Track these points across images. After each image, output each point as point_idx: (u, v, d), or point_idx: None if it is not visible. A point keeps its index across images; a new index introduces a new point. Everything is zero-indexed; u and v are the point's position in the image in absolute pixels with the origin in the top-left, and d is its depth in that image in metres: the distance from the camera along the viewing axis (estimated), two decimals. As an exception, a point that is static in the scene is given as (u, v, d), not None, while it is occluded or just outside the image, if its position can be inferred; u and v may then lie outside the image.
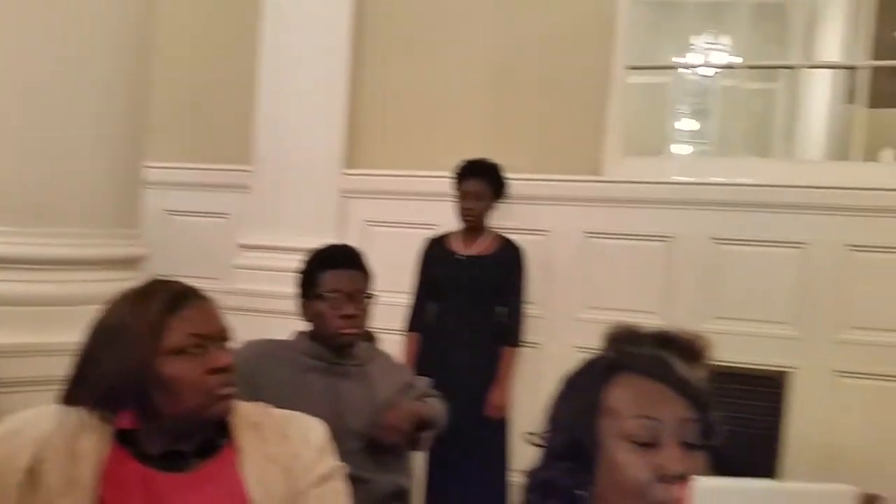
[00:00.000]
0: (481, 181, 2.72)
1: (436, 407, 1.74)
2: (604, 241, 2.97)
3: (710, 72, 4.74)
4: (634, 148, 3.29)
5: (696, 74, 4.86)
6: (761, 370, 2.81)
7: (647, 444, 0.83)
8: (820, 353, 2.75)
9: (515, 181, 2.80)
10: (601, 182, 2.96)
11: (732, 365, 2.75)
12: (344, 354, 1.69)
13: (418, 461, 2.32)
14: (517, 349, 2.75)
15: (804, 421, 2.76)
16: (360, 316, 1.68)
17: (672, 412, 0.85)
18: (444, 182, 2.80)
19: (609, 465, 0.84)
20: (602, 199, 2.95)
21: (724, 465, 0.88)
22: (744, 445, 2.61)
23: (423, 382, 1.83)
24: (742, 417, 2.77)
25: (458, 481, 2.60)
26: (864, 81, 2.95)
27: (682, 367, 0.90)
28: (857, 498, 0.90)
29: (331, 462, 1.13)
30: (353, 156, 3.21)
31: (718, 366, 1.04)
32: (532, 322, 2.82)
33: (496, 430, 2.68)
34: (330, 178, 3.17)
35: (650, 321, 1.50)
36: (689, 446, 0.84)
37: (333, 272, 1.68)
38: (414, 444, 1.68)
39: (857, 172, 2.81)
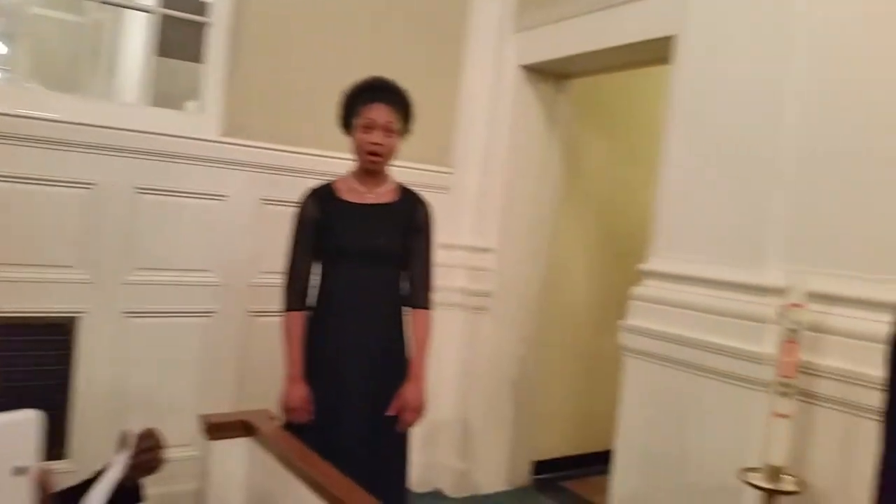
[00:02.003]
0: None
1: None
2: None
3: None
4: None
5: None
6: (49, 317, 2.66)
7: None
8: (108, 295, 2.76)
9: None
10: None
11: (16, 315, 2.55)
12: None
13: None
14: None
15: (95, 364, 2.75)
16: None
17: None
18: None
19: None
20: None
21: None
22: (35, 396, 2.45)
23: None
24: (31, 369, 2.60)
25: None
26: (169, 32, 3.06)
27: None
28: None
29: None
30: None
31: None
32: None
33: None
34: None
35: None
36: None
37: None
38: None
39: (150, 117, 2.89)
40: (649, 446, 2.60)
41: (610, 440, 2.79)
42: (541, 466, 3.93)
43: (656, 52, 2.82)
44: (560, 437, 4.06)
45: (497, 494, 3.65)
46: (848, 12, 2.18)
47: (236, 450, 1.87)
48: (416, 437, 2.62)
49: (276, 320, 2.37)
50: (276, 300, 2.36)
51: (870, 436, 1.15)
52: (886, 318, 1.17)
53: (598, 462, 3.20)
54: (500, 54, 3.57)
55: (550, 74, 3.61)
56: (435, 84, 3.48)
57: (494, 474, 3.68)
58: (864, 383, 1.88)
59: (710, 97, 2.53)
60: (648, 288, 2.69)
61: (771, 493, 1.97)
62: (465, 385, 3.60)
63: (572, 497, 3.73)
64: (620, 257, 3.87)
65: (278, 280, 2.34)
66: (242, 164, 3.00)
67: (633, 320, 2.70)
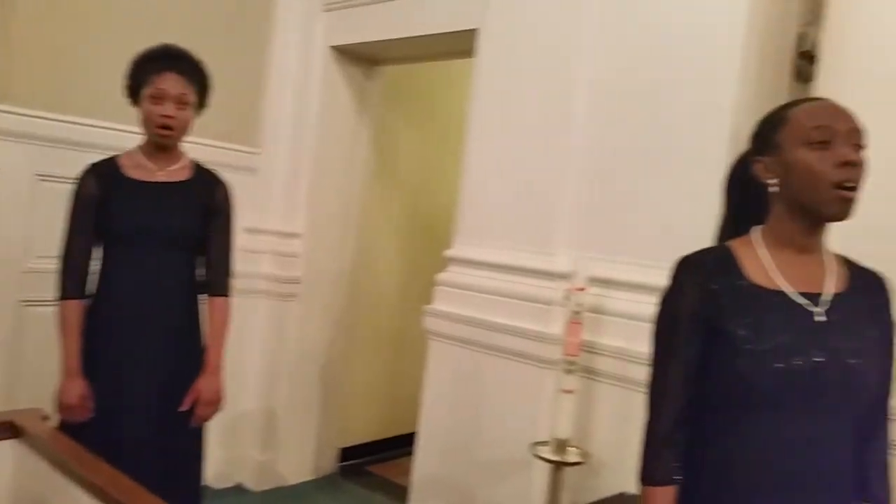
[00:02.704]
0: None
1: None
2: None
3: None
4: None
5: None
6: None
7: None
8: None
9: None
10: None
11: None
12: None
13: None
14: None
15: None
16: None
17: None
18: None
19: None
20: None
21: None
22: None
23: None
24: None
25: None
26: None
27: None
28: None
29: None
30: None
31: None
32: None
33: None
34: None
35: None
36: None
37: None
38: None
39: None
40: (450, 426, 2.68)
41: (416, 423, 2.85)
42: (349, 452, 3.93)
43: (462, 44, 2.90)
44: (368, 421, 4.08)
45: (302, 485, 3.60)
46: (637, 11, 2.36)
47: (1, 454, 1.67)
48: (215, 430, 2.50)
49: (53, 310, 2.14)
50: (52, 288, 2.13)
51: (641, 407, 1.26)
52: (654, 300, 1.28)
53: (406, 445, 3.26)
54: (308, 32, 3.48)
55: (361, 58, 3.58)
56: (238, 58, 3.31)
57: (299, 464, 3.62)
58: (637, 360, 2.07)
59: (508, 90, 2.64)
60: (452, 273, 2.77)
61: (557, 465, 2.12)
62: (270, 375, 3.50)
63: (378, 481, 3.77)
64: (430, 242, 3.95)
65: (55, 265, 2.11)
66: (12, 135, 2.67)
67: (437, 305, 2.77)
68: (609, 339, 2.24)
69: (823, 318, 1.18)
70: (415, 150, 4.16)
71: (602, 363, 2.25)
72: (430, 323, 2.77)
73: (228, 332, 2.24)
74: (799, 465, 1.17)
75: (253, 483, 3.46)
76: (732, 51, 2.13)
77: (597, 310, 2.27)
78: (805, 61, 2.33)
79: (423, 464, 2.78)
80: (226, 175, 2.29)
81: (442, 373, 2.74)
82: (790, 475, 1.16)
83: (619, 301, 2.23)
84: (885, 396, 1.25)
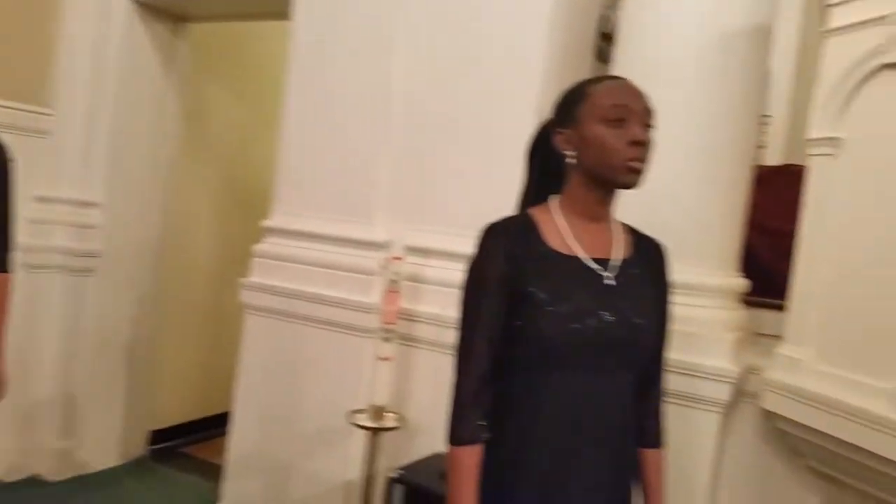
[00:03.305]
0: None
1: None
2: None
3: None
4: None
5: None
6: None
7: None
8: None
9: None
10: None
11: None
12: None
13: None
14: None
15: None
16: None
17: None
18: None
19: None
20: None
21: None
22: None
23: None
24: None
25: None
26: None
27: None
28: None
29: None
30: None
31: None
32: None
33: None
34: None
35: None
36: None
37: None
38: None
39: None
40: (268, 401, 2.62)
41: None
42: (161, 435, 3.72)
43: (277, 4, 2.78)
44: (182, 402, 3.89)
45: (108, 471, 3.37)
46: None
47: None
48: (3, 419, 2.26)
49: None
50: None
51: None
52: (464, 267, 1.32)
53: (223, 424, 3.13)
54: (106, -16, 3.18)
55: (167, 14, 3.34)
56: (23, 9, 2.96)
57: (104, 450, 3.38)
58: (451, 325, 2.11)
59: (326, 57, 2.58)
60: (269, 244, 2.68)
61: (374, 431, 2.15)
62: (67, 356, 3.21)
63: (192, 462, 3.61)
64: (247, 212, 3.80)
65: None
66: None
67: (254, 277, 2.67)
68: (426, 306, 2.29)
69: (613, 282, 1.28)
70: (229, 114, 3.97)
71: (419, 330, 2.29)
72: (246, 296, 2.68)
73: (10, 310, 2.02)
74: (593, 418, 1.26)
75: (51, 473, 3.18)
76: (539, 30, 2.23)
77: (414, 278, 2.30)
78: (606, 42, 2.50)
79: (240, 441, 2.70)
80: (7, 137, 2.04)
81: (259, 347, 2.66)
82: (585, 428, 1.26)
83: (435, 269, 2.28)
84: (661, 351, 1.38)
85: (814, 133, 1.76)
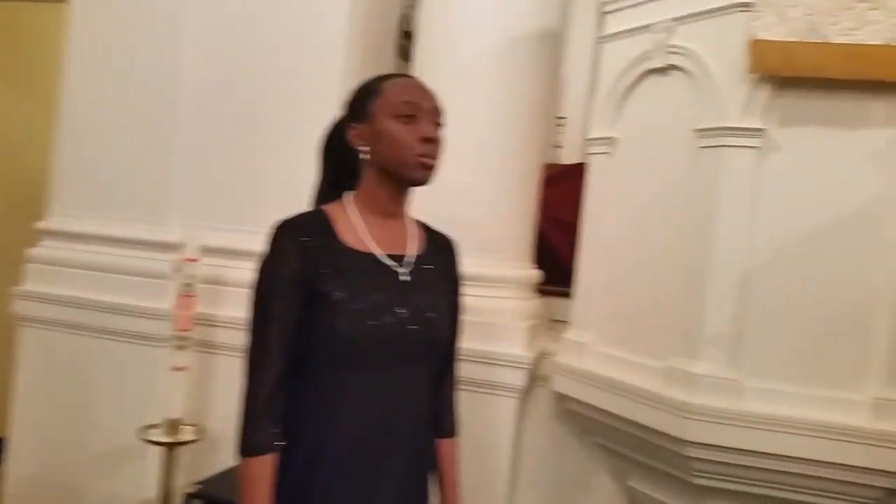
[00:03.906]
0: None
1: None
2: None
3: None
4: None
5: None
6: None
7: None
8: None
9: None
10: None
11: None
12: None
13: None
14: None
15: None
16: None
17: None
18: None
19: None
20: None
21: None
22: None
23: None
24: None
25: None
26: None
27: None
28: None
29: None
30: None
31: None
32: None
33: None
34: None
35: None
36: None
37: None
38: None
39: None
40: (50, 423, 2.36)
41: (5, 426, 2.45)
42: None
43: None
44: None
45: None
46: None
47: None
48: None
49: None
50: None
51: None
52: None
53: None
54: None
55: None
56: None
57: None
58: (251, 328, 2.04)
59: (109, 45, 2.37)
60: (46, 248, 2.42)
61: (170, 446, 2.00)
62: None
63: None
64: (19, 213, 3.40)
65: None
66: None
67: (29, 285, 2.40)
68: (226, 309, 2.17)
69: (408, 278, 1.28)
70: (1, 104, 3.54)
71: (219, 335, 2.17)
72: (20, 307, 2.39)
73: None
74: (394, 415, 1.26)
75: None
76: (337, 25, 2.19)
77: (213, 281, 2.18)
78: (408, 41, 2.52)
79: (18, 468, 2.41)
80: None
81: (37, 363, 2.39)
82: (385, 424, 1.25)
83: (234, 270, 2.17)
84: (454, 343, 1.41)
85: (593, 133, 1.89)
